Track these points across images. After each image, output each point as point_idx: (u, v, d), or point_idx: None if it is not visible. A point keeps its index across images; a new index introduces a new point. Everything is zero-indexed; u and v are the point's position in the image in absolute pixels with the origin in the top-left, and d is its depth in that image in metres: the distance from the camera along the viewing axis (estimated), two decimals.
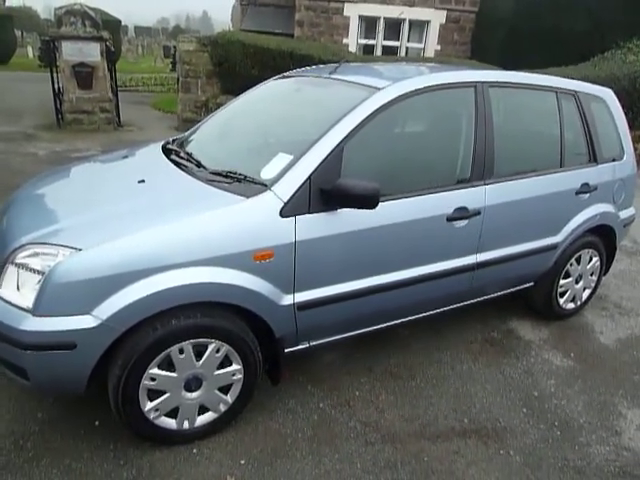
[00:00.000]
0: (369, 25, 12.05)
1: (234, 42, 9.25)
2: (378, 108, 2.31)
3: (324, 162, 2.16)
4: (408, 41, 12.20)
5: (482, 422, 2.49)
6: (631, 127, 8.63)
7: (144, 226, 1.95)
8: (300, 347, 2.43)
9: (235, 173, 2.28)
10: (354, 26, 11.85)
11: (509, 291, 3.13)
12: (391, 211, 2.33)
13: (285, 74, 3.29)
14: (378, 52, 12.11)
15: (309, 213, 2.14)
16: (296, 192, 2.11)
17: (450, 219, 2.50)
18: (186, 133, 3.26)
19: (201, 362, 2.09)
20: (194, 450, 2.19)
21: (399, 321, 2.69)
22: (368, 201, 2.08)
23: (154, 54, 30.27)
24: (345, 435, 2.35)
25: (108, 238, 1.90)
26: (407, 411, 2.53)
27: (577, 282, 3.40)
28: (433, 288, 2.60)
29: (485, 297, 3.02)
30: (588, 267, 3.40)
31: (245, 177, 2.24)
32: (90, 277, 1.84)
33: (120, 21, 21.98)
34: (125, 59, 25.97)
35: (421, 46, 12.19)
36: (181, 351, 2.03)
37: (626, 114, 8.83)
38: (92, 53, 9.01)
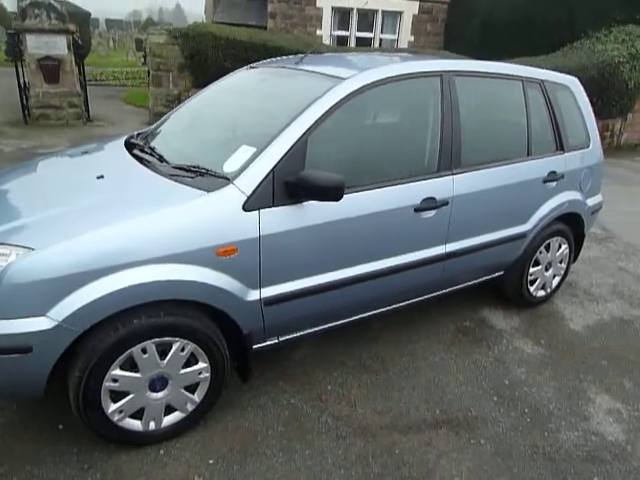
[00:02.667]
0: (342, 16, 11.98)
1: (205, 34, 9.08)
2: (342, 98, 2.27)
3: (287, 154, 2.12)
4: (381, 32, 12.18)
5: (454, 412, 2.49)
6: (599, 116, 8.79)
7: (100, 224, 1.88)
8: (269, 343, 2.39)
9: (197, 167, 2.22)
10: (327, 17, 11.76)
11: (480, 280, 3.14)
12: (358, 203, 2.30)
13: (252, 65, 3.23)
14: (352, 44, 12.06)
15: (274, 206, 2.10)
16: (259, 185, 2.06)
17: (418, 210, 2.48)
18: (151, 127, 3.18)
19: (165, 361, 2.04)
20: (161, 451, 2.14)
21: (370, 313, 2.68)
22: (332, 193, 2.05)
23: (126, 48, 29.62)
24: (316, 430, 2.33)
25: (62, 237, 1.83)
26: (379, 404, 2.52)
27: (547, 270, 3.43)
28: (403, 280, 2.58)
29: (457, 287, 3.03)
30: (557, 255, 3.43)
31: (207, 171, 2.18)
32: (44, 277, 1.77)
33: (89, 13, 21.41)
34: (96, 53, 25.39)
35: (394, 37, 12.18)
36: (144, 351, 1.98)
37: (594, 103, 8.95)
38: (58, 46, 8.76)
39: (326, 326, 2.56)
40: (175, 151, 2.54)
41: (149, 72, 9.77)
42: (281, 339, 2.42)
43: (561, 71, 8.46)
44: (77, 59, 9.24)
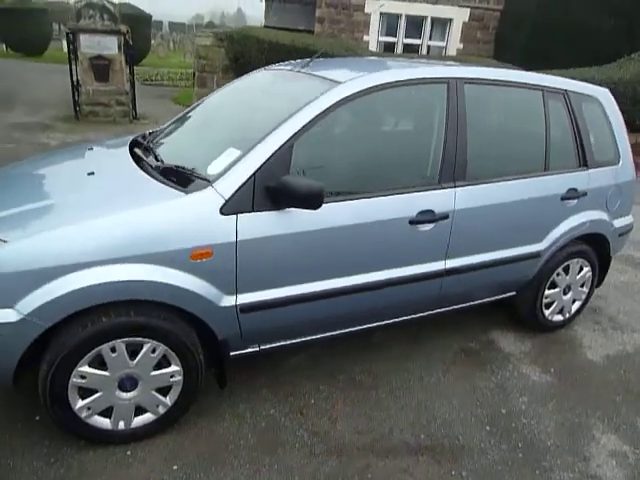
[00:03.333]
0: (391, 22, 11.85)
1: (249, 38, 9.22)
2: (335, 103, 2.20)
3: (271, 159, 2.06)
4: (430, 39, 11.95)
5: (439, 439, 2.35)
6: None
7: (72, 220, 1.89)
8: (249, 350, 2.34)
9: (183, 168, 2.20)
10: (375, 23, 11.67)
11: (488, 300, 2.97)
12: (346, 212, 2.21)
13: (267, 67, 3.21)
14: (399, 50, 11.91)
15: (253, 212, 2.05)
16: (239, 189, 2.02)
17: (413, 222, 2.36)
18: (164, 126, 3.21)
19: (135, 362, 2.02)
20: (128, 452, 2.13)
21: (363, 327, 2.57)
22: (311, 201, 1.97)
23: (185, 50, 30.60)
24: (290, 445, 2.25)
25: (35, 231, 1.84)
26: (361, 423, 2.41)
27: (565, 293, 3.20)
28: (394, 294, 2.46)
29: (460, 305, 2.87)
30: (578, 277, 3.20)
31: (191, 172, 2.16)
32: (14, 270, 1.78)
33: (151, 16, 22.25)
34: (156, 54, 26.38)
35: (443, 44, 11.93)
36: (113, 349, 1.97)
37: None
38: (109, 46, 9.12)
39: (315, 337, 2.48)
40: (173, 151, 2.55)
41: (194, 73, 10.02)
42: (263, 347, 2.36)
43: (615, 84, 8.05)
44: (127, 59, 9.59)
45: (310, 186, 1.95)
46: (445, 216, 2.43)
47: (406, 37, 11.86)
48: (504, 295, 3.02)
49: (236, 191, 2.01)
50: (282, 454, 2.19)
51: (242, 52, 9.38)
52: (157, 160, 2.40)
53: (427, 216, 2.39)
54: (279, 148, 2.08)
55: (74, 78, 9.25)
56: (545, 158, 2.80)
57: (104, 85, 9.33)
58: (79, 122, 9.24)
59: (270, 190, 2.04)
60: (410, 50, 11.85)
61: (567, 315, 3.29)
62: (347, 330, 2.55)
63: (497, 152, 2.72)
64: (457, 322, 3.22)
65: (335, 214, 2.18)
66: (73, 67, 9.14)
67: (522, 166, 2.75)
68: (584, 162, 2.95)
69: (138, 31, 19.78)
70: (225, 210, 2.00)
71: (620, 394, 2.75)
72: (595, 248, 3.18)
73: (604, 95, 3.12)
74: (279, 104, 2.46)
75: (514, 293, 3.06)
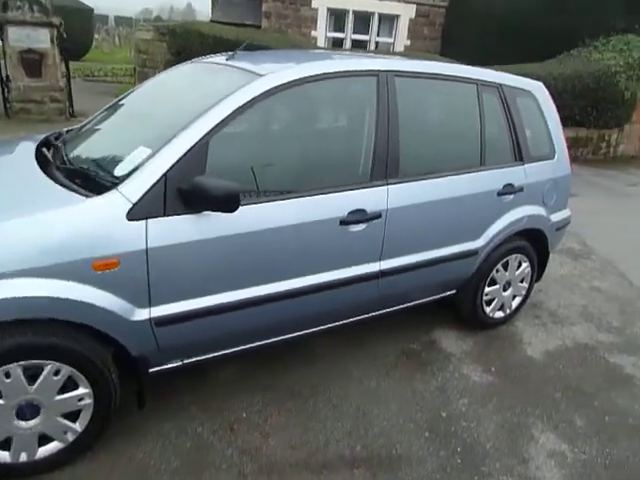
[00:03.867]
0: (338, 18, 11.76)
1: (192, 32, 8.92)
2: (255, 97, 2.04)
3: (184, 158, 1.89)
4: (378, 35, 11.95)
5: (376, 449, 2.24)
6: (595, 125, 8.51)
7: None
8: (171, 365, 2.15)
9: (88, 169, 2.00)
10: (322, 19, 11.55)
11: (428, 300, 2.89)
12: (270, 214, 2.07)
13: (195, 59, 3.01)
14: (347, 46, 11.84)
15: (165, 216, 1.87)
16: (148, 192, 1.83)
17: (344, 223, 2.24)
18: (83, 123, 2.96)
19: (35, 386, 1.81)
20: None
21: (295, 334, 2.43)
22: (225, 203, 1.82)
23: (131, 45, 29.57)
24: (217, 466, 2.09)
25: None
26: (296, 436, 2.27)
27: (505, 289, 3.17)
28: (329, 299, 2.34)
29: (400, 306, 2.78)
30: (517, 273, 3.17)
31: (97, 174, 1.96)
32: None
33: (92, 9, 21.36)
34: (100, 49, 25.38)
35: (391, 40, 11.95)
36: (7, 375, 1.75)
37: (589, 113, 8.69)
38: (40, 39, 8.58)
39: (246, 347, 2.33)
40: (85, 151, 2.33)
41: (134, 68, 9.60)
42: (187, 361, 2.18)
43: (556, 79, 8.19)
44: (62, 53, 9.07)
45: (225, 187, 1.79)
46: (377, 215, 2.32)
47: (354, 33, 11.81)
48: (444, 294, 2.95)
49: (145, 194, 1.83)
50: (207, 478, 2.03)
51: (184, 47, 9.05)
52: (64, 161, 2.18)
53: (359, 216, 2.27)
54: (193, 146, 1.90)
55: (3, 73, 8.68)
56: (481, 153, 2.74)
57: (36, 81, 8.78)
58: (9, 120, 8.67)
59: (183, 192, 1.87)
60: (358, 46, 11.80)
61: (508, 311, 3.26)
62: (282, 338, 2.41)
63: (431, 148, 2.64)
64: (400, 322, 3.14)
65: (258, 216, 2.03)
66: (2, 62, 8.57)
67: (457, 162, 2.68)
68: (520, 157, 2.91)
69: (79, 25, 19.02)
70: (132, 215, 1.81)
71: (559, 390, 2.73)
72: (533, 243, 3.16)
73: (538, 89, 3.10)
74: (197, 98, 2.28)
75: (454, 292, 3.00)
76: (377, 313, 2.68)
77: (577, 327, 3.38)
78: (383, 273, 2.46)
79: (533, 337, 3.22)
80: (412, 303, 2.81)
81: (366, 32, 11.84)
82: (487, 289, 3.06)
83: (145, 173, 1.85)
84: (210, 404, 2.42)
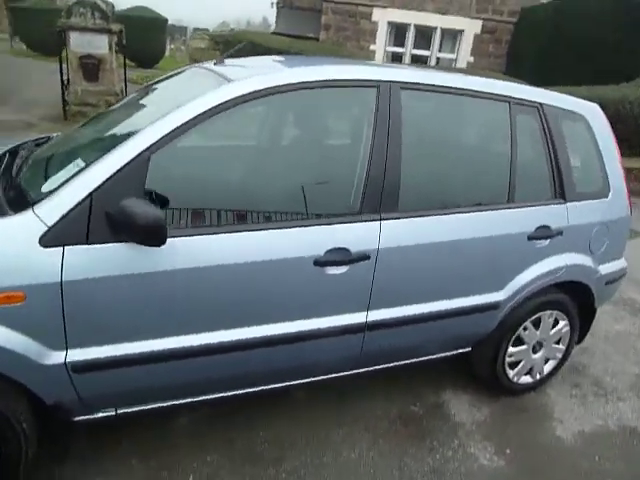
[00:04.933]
0: (399, 32, 11.38)
1: (244, 42, 8.84)
2: (215, 107, 1.70)
3: (117, 176, 1.57)
4: (440, 51, 11.44)
5: None
6: None
7: None
8: (103, 415, 1.83)
9: (21, 182, 1.73)
10: (382, 32, 11.22)
11: (432, 358, 2.41)
12: (222, 248, 1.70)
13: (194, 64, 2.74)
14: (406, 61, 11.42)
15: (88, 244, 1.55)
16: (67, 214, 1.53)
17: (319, 263, 1.84)
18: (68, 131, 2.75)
19: None
20: None
21: (256, 389, 2.05)
22: (148, 234, 1.47)
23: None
24: None
25: None
26: None
27: (535, 351, 2.63)
28: (295, 353, 1.94)
29: (394, 364, 2.32)
30: (552, 333, 2.62)
31: (28, 189, 1.69)
32: None
33: (166, 20, 22.21)
34: (174, 58, 26.53)
35: (453, 56, 11.41)
36: None
37: None
38: (99, 45, 8.80)
39: (199, 399, 1.97)
40: (36, 161, 2.07)
41: None
42: (121, 411, 1.85)
43: (631, 103, 7.37)
44: (121, 59, 9.27)
45: (146, 215, 1.44)
46: (364, 256, 1.90)
47: (415, 48, 11.38)
48: (455, 352, 2.46)
49: (63, 217, 1.52)
50: None
51: (238, 56, 8.99)
52: (12, 172, 1.94)
53: (339, 255, 1.86)
54: (128, 162, 1.58)
55: (64, 77, 8.97)
56: (509, 187, 2.25)
57: (93, 85, 9.01)
58: (66, 122, 8.90)
59: (110, 217, 1.54)
60: (418, 61, 11.34)
61: (538, 376, 2.71)
62: (241, 392, 2.03)
63: (443, 178, 2.18)
64: (406, 377, 2.67)
65: (205, 250, 1.67)
66: (64, 66, 8.85)
67: (477, 196, 2.21)
68: (561, 193, 2.39)
69: (153, 34, 19.82)
70: (47, 241, 1.51)
71: None
72: (575, 298, 2.60)
73: (592, 112, 2.56)
74: (160, 107, 1.96)
75: (469, 349, 2.50)
76: (360, 371, 2.23)
77: (626, 404, 2.75)
78: (371, 326, 2.03)
79: (567, 412, 2.64)
80: (410, 361, 2.34)
81: (427, 47, 11.37)
82: (511, 349, 2.53)
83: (66, 192, 1.55)
84: (155, 459, 2.07)
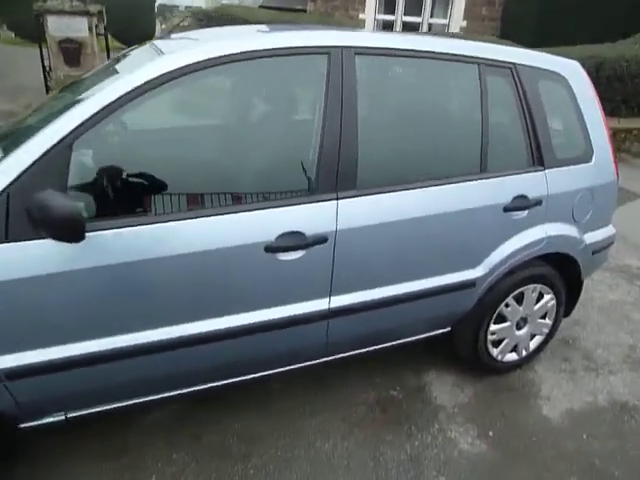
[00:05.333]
0: None
1: (226, 16, 8.55)
2: (143, 84, 1.54)
3: (35, 166, 1.43)
4: (432, 16, 11.05)
5: None
6: None
7: None
8: (51, 420, 1.73)
9: None
10: (371, 0, 10.81)
11: (407, 340, 2.29)
12: (160, 238, 1.57)
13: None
14: (398, 28, 11.04)
15: (7, 242, 1.42)
16: None
17: (271, 249, 1.70)
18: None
19: None
20: None
21: (218, 383, 1.94)
22: (64, 229, 1.34)
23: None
24: None
25: None
26: None
27: (519, 327, 2.50)
28: (250, 345, 1.83)
29: (367, 349, 2.21)
30: (536, 308, 2.49)
31: None
32: None
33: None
34: None
35: (445, 22, 11.02)
36: None
37: None
38: (79, 28, 8.55)
39: (158, 396, 1.87)
40: None
41: None
42: (71, 416, 1.75)
43: (628, 61, 7.04)
44: (103, 41, 9.02)
45: (60, 208, 1.31)
46: (322, 239, 1.76)
47: (405, 15, 10.98)
48: (433, 333, 2.34)
49: None
50: None
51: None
52: None
53: (292, 240, 1.72)
54: (47, 151, 1.44)
55: (46, 63, 8.75)
56: (481, 156, 2.09)
57: (75, 70, 8.75)
58: None
59: (28, 212, 1.41)
60: (410, 28, 10.97)
61: (524, 353, 2.59)
62: (203, 387, 1.93)
63: (407, 149, 2.02)
64: (387, 359, 2.56)
65: (143, 242, 1.54)
66: (45, 51, 8.62)
67: (446, 167, 2.05)
68: (539, 160, 2.22)
69: (140, 14, 19.42)
70: None
71: (576, 473, 2.06)
72: (559, 270, 2.46)
73: (572, 70, 2.37)
74: (94, 89, 1.80)
75: (448, 329, 2.38)
76: (327, 359, 2.12)
77: (617, 377, 2.63)
78: (334, 312, 1.90)
79: (555, 389, 2.53)
80: (385, 345, 2.22)
81: (419, 13, 10.97)
82: (493, 327, 2.41)
83: None
84: (120, 459, 1.99)
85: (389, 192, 1.89)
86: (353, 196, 1.82)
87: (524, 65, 2.19)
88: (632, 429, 2.29)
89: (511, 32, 9.93)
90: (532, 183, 2.20)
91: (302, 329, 1.88)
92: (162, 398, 1.88)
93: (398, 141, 2.00)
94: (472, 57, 2.06)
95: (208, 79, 1.66)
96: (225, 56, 1.64)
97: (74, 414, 1.75)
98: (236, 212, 1.66)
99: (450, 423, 2.27)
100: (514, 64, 2.16)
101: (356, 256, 1.87)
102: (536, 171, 2.21)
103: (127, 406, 1.84)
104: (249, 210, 1.67)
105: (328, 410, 2.30)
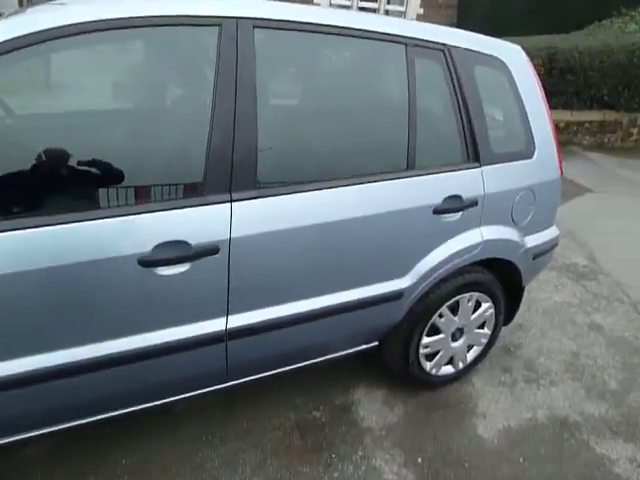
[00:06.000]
0: None
1: None
2: None
3: None
4: (388, 3, 10.79)
5: None
6: (626, 108, 7.30)
7: None
8: None
9: None
10: None
11: (325, 358, 2.03)
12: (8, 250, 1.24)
13: None
14: None
15: None
16: None
17: (146, 264, 1.39)
18: None
19: None
20: None
21: (97, 417, 1.63)
22: None
23: None
24: None
25: None
26: None
27: (455, 339, 2.28)
28: (134, 374, 1.53)
29: (281, 369, 1.94)
30: (473, 317, 2.28)
31: None
32: None
33: None
34: None
35: (402, 9, 10.78)
36: None
37: (620, 93, 7.45)
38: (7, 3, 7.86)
39: (29, 434, 1.54)
40: None
41: None
42: None
43: (581, 53, 6.97)
44: None
45: None
46: (211, 250, 1.47)
47: (362, 0, 10.67)
48: (356, 349, 2.09)
49: None
50: None
51: None
52: None
53: (174, 251, 1.42)
54: None
55: None
56: (407, 151, 1.83)
57: None
58: None
59: None
60: None
61: (460, 366, 2.38)
62: (79, 422, 1.61)
63: (318, 143, 1.74)
64: (310, 376, 2.29)
65: None
66: None
67: (364, 164, 1.79)
68: (475, 156, 1.99)
69: None
70: None
71: None
72: (498, 276, 2.25)
73: (513, 55, 2.14)
74: None
75: (375, 344, 2.13)
76: (225, 385, 1.83)
77: (558, 389, 2.46)
78: (233, 333, 1.62)
79: (492, 405, 2.33)
80: (297, 365, 1.95)
81: (375, 0, 10.69)
82: (426, 340, 2.18)
83: None
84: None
85: (296, 192, 1.61)
86: (251, 197, 1.53)
87: (458, 47, 1.94)
88: (572, 449, 2.12)
89: (466, 21, 9.79)
90: (466, 182, 1.97)
91: (195, 354, 1.58)
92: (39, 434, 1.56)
93: (308, 133, 1.72)
94: (398, 36, 1.79)
95: (68, 52, 1.33)
96: (85, 23, 1.30)
97: None
98: (105, 218, 1.34)
99: (376, 449, 2.04)
100: (446, 46, 1.91)
101: (257, 269, 1.59)
102: (471, 168, 1.98)
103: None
104: (119, 215, 1.36)
105: (239, 437, 2.03)
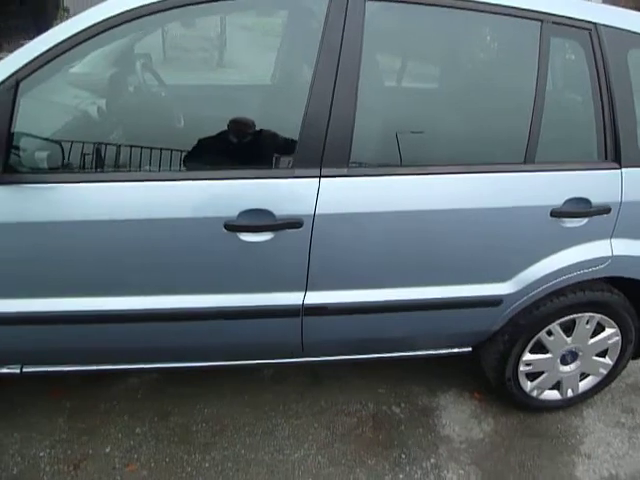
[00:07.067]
0: None
1: None
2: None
3: None
4: None
5: None
6: None
7: None
8: (6, 371, 1.69)
9: None
10: None
11: (410, 355, 1.94)
12: (112, 200, 1.41)
13: None
14: None
15: None
16: None
17: (232, 228, 1.46)
18: None
19: None
20: None
21: (176, 365, 1.78)
22: None
23: None
24: None
25: None
26: None
27: (565, 362, 2.01)
28: (211, 331, 1.63)
29: (358, 357, 1.90)
30: (592, 342, 1.98)
31: None
32: None
33: None
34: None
35: None
36: None
37: None
38: None
39: (124, 367, 1.77)
40: None
41: None
42: (27, 370, 1.70)
43: None
44: None
45: None
46: (294, 223, 1.48)
47: None
48: (446, 351, 1.95)
49: None
50: None
51: None
52: None
53: (258, 219, 1.46)
54: None
55: None
56: (528, 141, 1.62)
57: None
58: None
59: None
60: None
61: (569, 393, 2.09)
62: (165, 365, 1.78)
63: (424, 123, 1.62)
64: (401, 369, 2.23)
65: (95, 200, 1.40)
66: None
67: (474, 151, 1.63)
68: (615, 154, 1.69)
69: None
70: None
71: None
72: (630, 299, 1.92)
73: None
74: None
75: (469, 349, 1.97)
76: (295, 360, 1.84)
77: None
78: (310, 309, 1.62)
79: (602, 447, 2.01)
80: (382, 355, 1.89)
81: None
82: (528, 356, 1.95)
83: None
84: (83, 421, 1.93)
85: (390, 175, 1.54)
86: (342, 175, 1.49)
87: (609, 27, 1.65)
88: None
89: None
90: (599, 184, 1.69)
91: (269, 323, 1.63)
92: (138, 368, 1.78)
93: (414, 113, 1.62)
94: (533, 11, 1.58)
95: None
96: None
97: (29, 369, 1.69)
98: (199, 179, 1.45)
99: (450, 460, 1.90)
100: (595, 24, 1.64)
101: (340, 249, 1.56)
102: (607, 169, 1.69)
103: (92, 371, 1.77)
104: (212, 178, 1.45)
105: (314, 414, 2.05)
